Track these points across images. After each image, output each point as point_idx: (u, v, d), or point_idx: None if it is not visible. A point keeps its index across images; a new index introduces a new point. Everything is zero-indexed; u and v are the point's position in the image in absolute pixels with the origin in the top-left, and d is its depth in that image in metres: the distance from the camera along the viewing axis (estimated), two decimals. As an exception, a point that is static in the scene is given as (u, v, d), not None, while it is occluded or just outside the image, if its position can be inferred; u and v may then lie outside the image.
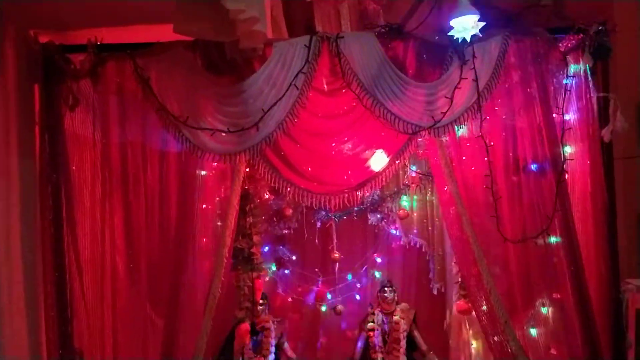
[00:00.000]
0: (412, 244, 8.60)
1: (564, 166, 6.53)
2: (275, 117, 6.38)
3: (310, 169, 6.70)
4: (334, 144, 6.72)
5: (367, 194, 7.00)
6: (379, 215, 8.50)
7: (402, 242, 8.79)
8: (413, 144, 6.67)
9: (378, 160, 6.84)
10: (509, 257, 6.66)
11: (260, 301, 7.77)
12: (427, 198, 8.66)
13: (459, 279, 7.56)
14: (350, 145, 6.74)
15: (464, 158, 6.73)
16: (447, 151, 6.65)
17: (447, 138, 6.66)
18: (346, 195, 6.85)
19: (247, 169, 7.11)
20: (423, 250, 8.62)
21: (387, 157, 6.81)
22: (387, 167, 6.81)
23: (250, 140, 6.41)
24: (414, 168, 8.28)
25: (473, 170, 6.68)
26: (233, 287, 7.39)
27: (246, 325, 7.47)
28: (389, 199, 8.48)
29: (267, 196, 7.78)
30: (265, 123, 6.36)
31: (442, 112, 6.45)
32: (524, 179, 6.66)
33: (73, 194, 6.58)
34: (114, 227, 6.62)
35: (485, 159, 6.52)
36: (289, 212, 8.31)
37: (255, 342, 7.83)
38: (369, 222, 8.59)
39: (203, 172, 6.70)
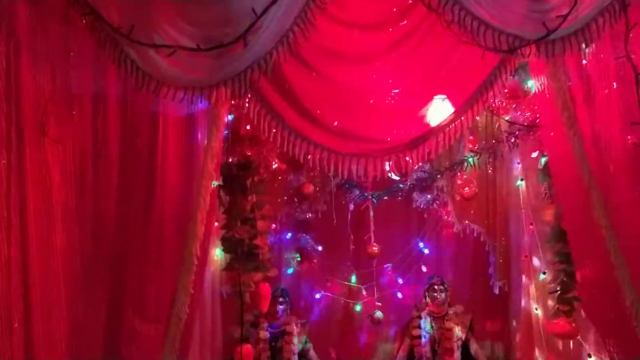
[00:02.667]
0: (467, 231, 5.28)
1: None
2: (275, 25, 2.63)
3: (335, 116, 2.88)
4: (374, 75, 2.89)
5: (425, 157, 3.09)
6: (428, 196, 4.72)
7: (454, 230, 5.31)
8: (502, 77, 2.83)
9: (438, 110, 3.02)
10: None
11: (281, 299, 4.90)
12: (488, 174, 5.09)
13: (557, 288, 3.68)
14: (398, 83, 2.93)
15: (594, 96, 2.79)
16: (566, 84, 2.77)
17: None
18: (392, 158, 2.99)
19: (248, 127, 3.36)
20: (481, 239, 5.29)
21: (452, 106, 2.99)
22: (453, 119, 2.96)
23: (233, 63, 2.77)
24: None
25: (610, 116, 2.76)
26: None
27: (248, 348, 3.75)
28: (440, 175, 4.63)
29: (275, 165, 3.91)
30: (258, 36, 2.63)
31: (559, 16, 2.59)
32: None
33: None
34: (24, 209, 2.88)
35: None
36: (309, 189, 4.64)
37: (274, 348, 4.86)
38: (416, 204, 4.76)
39: (161, 120, 2.88)
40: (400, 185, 4.65)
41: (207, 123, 2.96)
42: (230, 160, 3.62)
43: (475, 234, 5.29)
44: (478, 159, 4.44)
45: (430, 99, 3.07)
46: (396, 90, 3.06)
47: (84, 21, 2.88)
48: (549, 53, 2.77)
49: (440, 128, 3.08)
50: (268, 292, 3.82)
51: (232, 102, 2.93)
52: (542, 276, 4.81)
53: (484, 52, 2.77)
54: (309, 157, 2.98)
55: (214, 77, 2.81)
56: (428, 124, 3.10)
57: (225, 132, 3.31)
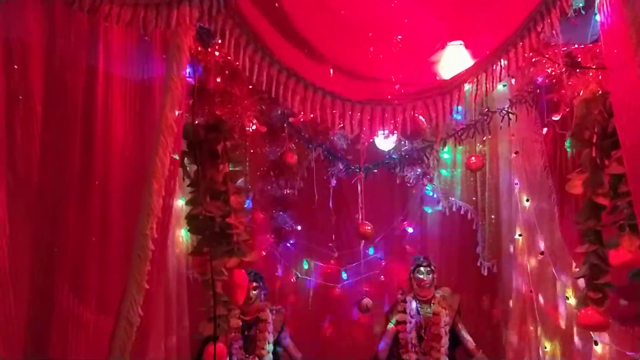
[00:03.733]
0: (453, 209, 4.41)
1: None
2: None
3: (341, 48, 1.82)
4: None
5: (460, 103, 2.05)
6: (419, 170, 3.73)
7: (441, 207, 4.43)
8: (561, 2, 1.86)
9: (476, 43, 2.01)
10: None
11: (254, 284, 3.93)
12: (477, 149, 4.14)
13: (584, 270, 2.76)
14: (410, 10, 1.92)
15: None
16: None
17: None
18: (419, 106, 1.95)
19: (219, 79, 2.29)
20: (469, 217, 4.41)
21: (495, 39, 1.99)
22: (498, 55, 1.95)
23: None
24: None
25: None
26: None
27: (221, 348, 2.70)
28: (432, 146, 3.67)
29: (253, 127, 2.82)
30: None
31: None
32: None
33: None
34: None
35: None
36: (293, 159, 3.56)
37: (247, 338, 3.93)
38: (405, 178, 3.76)
39: (101, 52, 1.77)
40: (394, 157, 3.69)
41: (166, 58, 1.90)
42: (196, 121, 2.59)
43: (462, 212, 4.42)
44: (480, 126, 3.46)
45: (467, 29, 2.08)
46: (397, 38, 2.04)
47: None
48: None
49: (480, 67, 2.09)
50: (244, 281, 2.81)
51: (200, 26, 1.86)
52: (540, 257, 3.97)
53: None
54: (307, 104, 1.93)
55: (172, -9, 1.76)
56: (465, 61, 2.12)
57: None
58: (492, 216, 4.34)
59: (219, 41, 1.88)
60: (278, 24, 1.89)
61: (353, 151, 3.90)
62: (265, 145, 3.74)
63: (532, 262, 3.96)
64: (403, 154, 3.75)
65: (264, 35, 1.89)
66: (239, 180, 2.65)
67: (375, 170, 3.74)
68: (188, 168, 2.49)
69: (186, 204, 2.58)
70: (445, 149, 4.08)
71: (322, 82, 1.93)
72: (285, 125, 3.20)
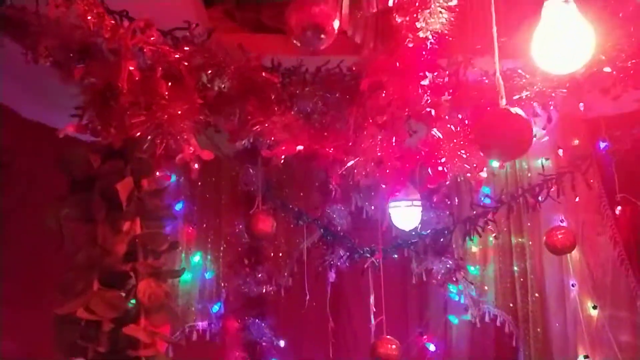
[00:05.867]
0: (486, 319, 3.03)
1: None
2: None
3: None
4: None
5: None
6: (449, 263, 2.44)
7: (469, 316, 3.05)
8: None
9: None
10: None
11: None
12: (513, 241, 3.02)
13: None
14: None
15: None
16: None
17: None
18: None
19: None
20: (506, 330, 3.04)
21: None
22: None
23: None
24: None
25: None
26: None
27: None
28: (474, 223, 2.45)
29: (191, 150, 1.36)
30: None
31: None
32: None
33: None
34: None
35: None
36: (268, 226, 2.15)
37: None
38: (435, 274, 2.47)
39: None
40: (423, 232, 2.41)
41: None
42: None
43: (498, 323, 3.09)
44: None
45: None
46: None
47: None
48: None
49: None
50: None
51: None
52: (618, 393, 2.62)
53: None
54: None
55: None
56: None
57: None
58: (539, 329, 3.04)
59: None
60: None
61: (357, 235, 2.67)
62: (238, 211, 2.44)
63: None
64: (430, 236, 2.47)
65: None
66: (161, 249, 1.32)
67: (396, 256, 2.45)
68: (64, 228, 1.20)
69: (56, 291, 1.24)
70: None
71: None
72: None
